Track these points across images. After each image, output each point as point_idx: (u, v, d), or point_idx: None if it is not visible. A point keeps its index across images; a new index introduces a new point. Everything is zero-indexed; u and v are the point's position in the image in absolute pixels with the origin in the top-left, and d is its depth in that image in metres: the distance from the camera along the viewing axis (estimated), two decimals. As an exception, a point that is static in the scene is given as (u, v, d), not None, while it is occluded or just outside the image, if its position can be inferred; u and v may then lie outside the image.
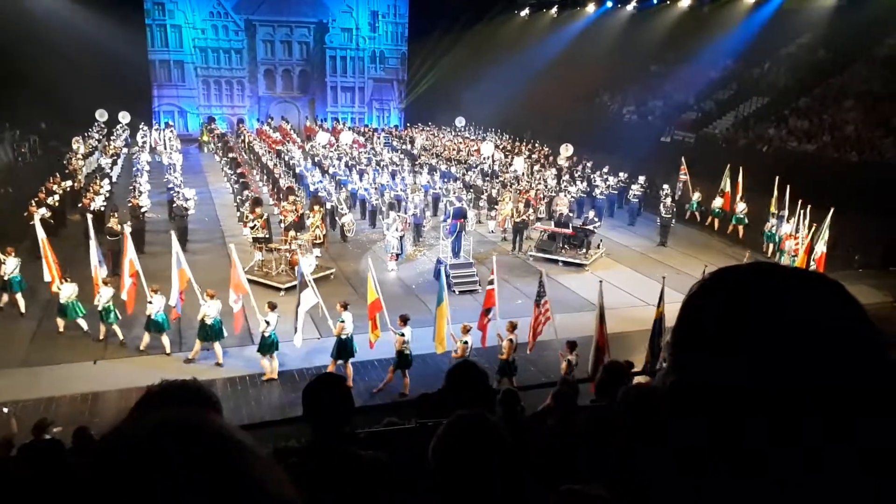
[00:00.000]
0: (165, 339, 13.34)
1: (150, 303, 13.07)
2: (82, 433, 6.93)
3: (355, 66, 46.59)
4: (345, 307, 12.42)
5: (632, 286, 17.93)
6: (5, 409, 9.85)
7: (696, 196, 24.68)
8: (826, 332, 0.76)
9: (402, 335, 11.95)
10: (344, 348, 12.25)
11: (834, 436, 0.73)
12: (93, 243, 14.10)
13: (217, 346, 13.00)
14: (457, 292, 17.10)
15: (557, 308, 16.44)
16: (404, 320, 12.10)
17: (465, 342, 11.87)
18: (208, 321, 12.72)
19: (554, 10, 41.60)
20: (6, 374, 12.32)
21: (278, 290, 16.72)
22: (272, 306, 12.55)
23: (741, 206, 22.74)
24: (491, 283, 13.14)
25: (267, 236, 18.86)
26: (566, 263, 19.56)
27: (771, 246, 20.93)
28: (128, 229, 15.62)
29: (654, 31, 35.30)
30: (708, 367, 0.80)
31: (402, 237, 19.58)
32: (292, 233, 18.55)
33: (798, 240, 18.28)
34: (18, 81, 31.00)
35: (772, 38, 30.30)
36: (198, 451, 0.67)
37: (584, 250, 19.97)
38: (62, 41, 34.11)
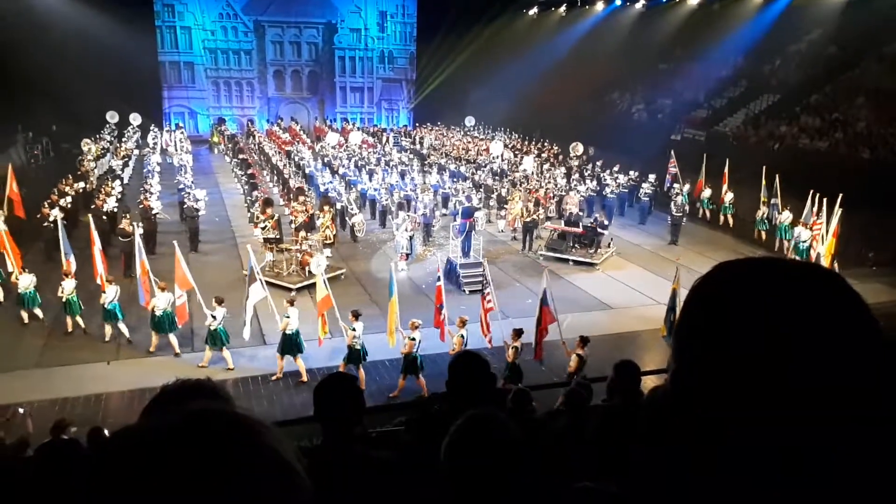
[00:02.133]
0: (109, 328, 13.86)
1: (104, 293, 13.67)
2: (97, 434, 6.99)
3: (364, 66, 46.65)
4: (291, 303, 12.75)
5: (643, 285, 17.89)
6: (21, 410, 9.94)
7: (686, 188, 24.98)
8: (825, 326, 0.77)
9: (354, 330, 12.15)
10: (288, 343, 12.46)
11: (828, 433, 0.74)
12: (62, 235, 15.10)
13: (172, 337, 13.38)
14: (467, 292, 17.10)
15: (569, 307, 16.47)
16: (356, 315, 12.30)
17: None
18: (158, 312, 13.14)
19: (562, 8, 41.49)
20: (21, 376, 12.44)
21: (289, 290, 16.78)
22: (219, 301, 12.81)
23: (729, 196, 23.64)
24: (439, 279, 13.30)
25: (278, 237, 18.93)
26: (577, 262, 19.53)
27: (760, 232, 22.11)
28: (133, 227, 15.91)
29: (663, 29, 35.13)
30: (703, 361, 0.81)
31: (411, 237, 19.60)
32: (303, 233, 18.63)
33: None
34: (30, 84, 31.20)
35: (782, 35, 30.08)
36: (236, 439, 0.68)
37: (595, 249, 19.93)
38: (73, 44, 34.39)
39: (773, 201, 21.94)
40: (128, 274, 16.79)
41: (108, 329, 13.90)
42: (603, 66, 36.17)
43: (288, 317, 12.42)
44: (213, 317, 12.63)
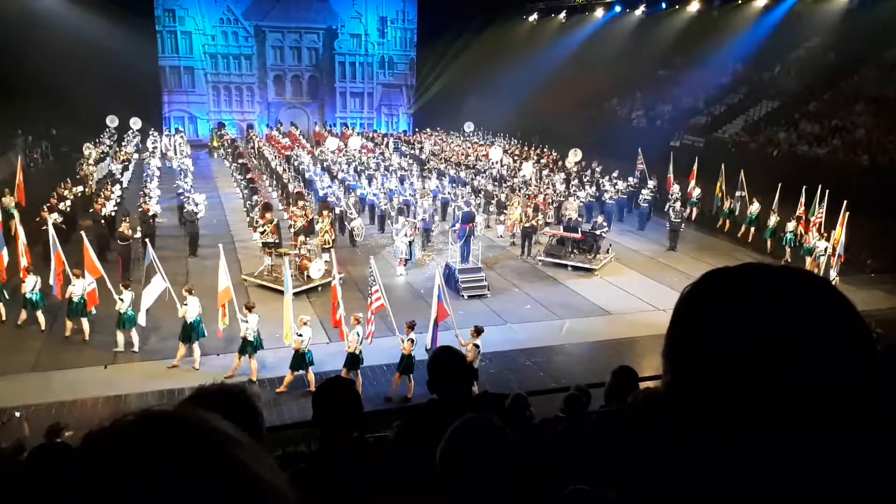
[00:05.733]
0: (41, 316, 14.49)
1: (24, 282, 14.42)
2: (93, 437, 6.94)
3: (364, 71, 46.73)
4: (189, 291, 13.24)
5: (642, 291, 17.87)
6: (17, 414, 9.90)
7: (652, 184, 26.04)
8: (810, 334, 0.76)
9: (246, 322, 12.59)
10: (186, 331, 13.00)
11: (820, 437, 0.73)
12: None
13: (85, 322, 14.07)
14: (465, 297, 17.09)
15: (567, 313, 16.48)
16: (249, 308, 12.79)
17: (412, 340, 12.29)
18: (75, 299, 13.92)
19: (562, 15, 41.61)
20: (18, 379, 12.41)
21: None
22: (126, 286, 13.73)
23: (696, 192, 25.28)
24: (336, 279, 13.72)
25: (276, 241, 18.92)
26: (575, 268, 19.53)
27: (725, 221, 24.13)
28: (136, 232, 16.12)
29: (662, 36, 35.22)
30: (693, 369, 0.80)
31: (411, 242, 19.59)
32: (302, 238, 18.62)
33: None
34: (30, 88, 31.25)
35: (781, 42, 30.17)
36: (177, 442, 0.67)
37: (594, 255, 19.93)
38: (73, 48, 34.41)
39: (738, 194, 23.82)
40: (126, 277, 16.78)
41: (41, 318, 14.45)
42: (602, 73, 36.23)
43: (186, 304, 12.94)
44: (121, 300, 13.39)
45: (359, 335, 12.27)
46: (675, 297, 0.88)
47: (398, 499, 2.87)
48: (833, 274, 16.76)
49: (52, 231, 15.02)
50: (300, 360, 12.28)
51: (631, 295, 17.75)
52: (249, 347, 12.64)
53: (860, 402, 0.74)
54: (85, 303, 13.94)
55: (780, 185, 21.37)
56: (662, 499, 0.83)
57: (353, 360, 12.24)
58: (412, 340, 12.22)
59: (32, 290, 14.34)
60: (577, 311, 16.61)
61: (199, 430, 0.69)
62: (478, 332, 12.17)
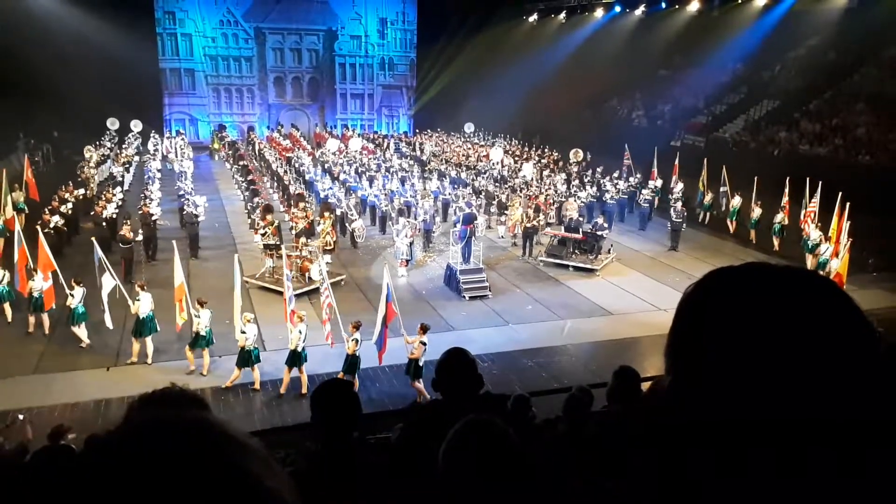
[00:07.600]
0: (8, 309, 14.95)
1: None
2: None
3: (364, 72, 46.73)
4: (142, 287, 13.54)
5: (643, 291, 17.87)
6: (20, 416, 9.91)
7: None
8: (818, 332, 0.76)
9: (198, 317, 12.78)
10: (139, 326, 13.19)
11: (823, 437, 0.73)
12: None
13: (45, 317, 14.46)
14: (467, 298, 17.09)
15: (568, 313, 16.48)
16: (201, 304, 12.91)
17: (356, 339, 12.15)
18: (35, 294, 14.38)
19: (562, 15, 41.61)
20: (20, 381, 12.42)
21: (289, 296, 16.75)
22: (78, 282, 13.87)
23: (679, 186, 25.66)
24: (287, 277, 13.78)
25: (278, 243, 18.93)
26: (577, 268, 19.52)
27: (707, 214, 25.27)
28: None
29: (662, 36, 35.20)
30: (695, 369, 0.80)
31: (411, 243, 19.59)
32: (303, 239, 18.63)
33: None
34: (32, 91, 31.29)
35: (781, 41, 30.15)
36: (189, 444, 0.67)
37: (595, 255, 19.92)
38: (74, 51, 34.45)
39: (722, 189, 24.65)
40: (128, 279, 16.79)
41: (7, 309, 14.92)
42: (603, 73, 36.22)
43: (139, 300, 13.20)
44: (72, 296, 13.63)
45: (301, 332, 12.26)
46: (677, 296, 0.89)
47: (400, 500, 2.87)
48: (834, 265, 16.84)
49: (17, 227, 15.25)
50: (245, 357, 12.34)
51: (632, 295, 17.74)
52: (202, 342, 12.81)
53: (863, 402, 0.74)
54: (42, 299, 14.28)
55: (755, 178, 22.17)
56: (665, 498, 0.83)
57: (295, 358, 12.24)
58: (356, 340, 12.09)
59: (0, 282, 14.78)
60: (579, 312, 16.61)
61: (206, 434, 0.69)
62: (424, 329, 12.16)
